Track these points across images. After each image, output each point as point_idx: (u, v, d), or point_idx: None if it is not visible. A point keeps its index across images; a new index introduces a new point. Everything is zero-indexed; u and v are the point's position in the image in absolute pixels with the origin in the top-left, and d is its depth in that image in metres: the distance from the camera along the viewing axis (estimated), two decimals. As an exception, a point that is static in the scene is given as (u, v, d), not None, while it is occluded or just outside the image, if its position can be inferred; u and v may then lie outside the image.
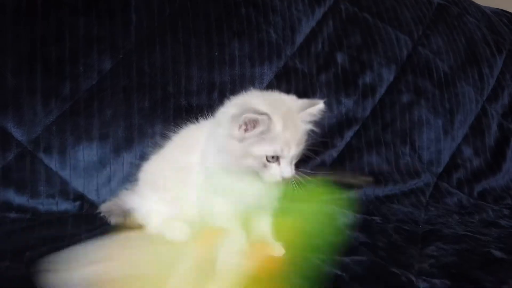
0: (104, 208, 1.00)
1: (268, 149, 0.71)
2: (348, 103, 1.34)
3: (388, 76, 1.39)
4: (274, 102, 0.75)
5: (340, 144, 1.31)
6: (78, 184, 1.06)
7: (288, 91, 1.24)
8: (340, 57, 1.35)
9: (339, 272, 0.75)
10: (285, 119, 0.71)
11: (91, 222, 0.96)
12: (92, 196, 1.07)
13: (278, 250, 0.81)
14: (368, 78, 1.36)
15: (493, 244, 0.96)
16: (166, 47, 1.16)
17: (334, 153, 1.30)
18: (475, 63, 1.52)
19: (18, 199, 1.02)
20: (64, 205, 1.05)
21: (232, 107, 0.75)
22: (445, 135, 1.41)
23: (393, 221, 1.10)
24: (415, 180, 1.33)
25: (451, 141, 1.42)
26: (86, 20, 1.11)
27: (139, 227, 0.89)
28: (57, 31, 1.08)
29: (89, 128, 1.07)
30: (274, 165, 0.72)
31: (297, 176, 0.75)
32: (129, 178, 1.03)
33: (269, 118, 0.69)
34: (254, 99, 0.75)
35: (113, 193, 1.05)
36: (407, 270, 0.79)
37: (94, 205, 1.05)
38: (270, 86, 1.24)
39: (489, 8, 1.74)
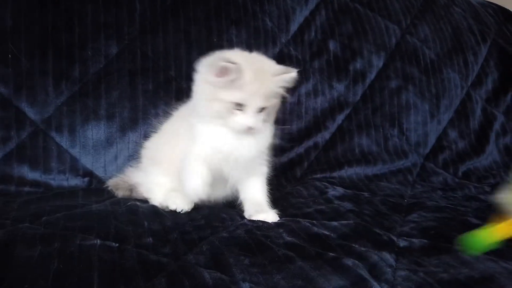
0: (111, 183, 1.07)
1: (235, 96, 0.78)
2: (339, 88, 1.41)
3: (378, 62, 1.46)
4: (251, 59, 0.83)
5: (332, 127, 1.38)
6: (87, 161, 1.13)
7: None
8: (332, 45, 1.42)
9: (327, 233, 0.82)
10: (256, 73, 0.78)
11: (100, 195, 1.02)
12: (100, 172, 1.14)
13: (272, 217, 0.88)
14: (358, 64, 1.44)
15: (471, 213, 1.03)
16: (168, 34, 1.22)
17: (326, 135, 1.37)
18: (461, 51, 1.59)
19: (32, 175, 1.08)
20: (74, 181, 1.12)
21: (209, 57, 0.82)
22: (431, 119, 1.49)
23: (381, 195, 1.17)
24: (402, 160, 1.41)
25: (437, 124, 1.49)
26: (94, 7, 1.16)
27: (144, 200, 0.97)
28: (67, 18, 1.14)
29: (97, 108, 1.13)
30: (239, 113, 0.80)
31: (261, 129, 0.82)
32: (134, 155, 1.10)
33: (240, 68, 0.76)
34: (233, 53, 0.83)
35: (119, 169, 1.12)
36: (389, 231, 0.86)
37: (102, 181, 1.12)
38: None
39: (475, -1, 1.82)
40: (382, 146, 1.41)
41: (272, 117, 0.87)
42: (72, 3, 1.15)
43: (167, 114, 0.99)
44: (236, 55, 0.82)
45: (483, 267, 0.71)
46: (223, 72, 0.77)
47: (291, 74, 0.82)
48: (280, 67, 0.84)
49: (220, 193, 0.94)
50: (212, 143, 0.84)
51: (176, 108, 0.98)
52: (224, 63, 0.76)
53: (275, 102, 0.84)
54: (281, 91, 0.84)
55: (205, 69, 0.81)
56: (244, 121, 0.80)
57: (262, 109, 0.81)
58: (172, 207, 0.90)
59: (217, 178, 0.87)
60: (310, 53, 1.39)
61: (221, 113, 0.80)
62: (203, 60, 0.83)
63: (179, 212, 0.90)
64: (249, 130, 0.81)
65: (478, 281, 0.67)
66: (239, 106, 0.79)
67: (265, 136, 0.88)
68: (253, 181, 0.91)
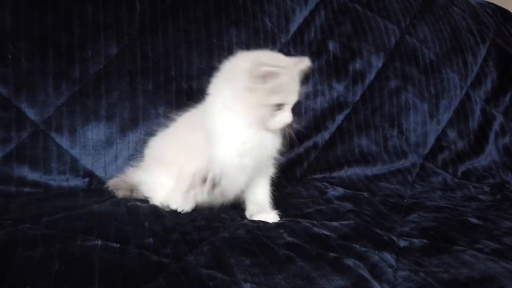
0: (111, 183, 1.06)
1: (278, 98, 0.81)
2: (339, 88, 1.41)
3: (377, 63, 1.47)
4: (274, 57, 0.86)
5: (332, 127, 1.39)
6: (87, 161, 1.13)
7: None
8: (331, 45, 1.43)
9: (327, 233, 0.83)
10: (289, 72, 0.81)
11: (100, 195, 1.02)
12: (100, 172, 1.14)
13: (273, 217, 0.88)
14: (358, 65, 1.44)
15: (471, 213, 1.03)
16: (168, 34, 1.22)
17: (326, 135, 1.38)
18: (460, 51, 1.59)
19: (32, 175, 1.08)
20: (74, 181, 1.11)
21: (240, 62, 0.83)
22: (430, 119, 1.49)
23: (380, 195, 1.17)
24: (402, 160, 1.41)
25: (436, 124, 1.50)
26: (94, 8, 1.17)
27: (144, 200, 0.97)
28: (67, 18, 1.14)
29: (97, 109, 1.14)
30: (279, 112, 0.82)
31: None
32: (135, 156, 1.09)
33: (282, 71, 0.79)
34: (259, 54, 0.85)
35: (120, 170, 1.12)
36: (389, 232, 0.86)
37: (102, 181, 1.12)
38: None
39: (475, 0, 1.82)
40: (382, 146, 1.42)
41: None
42: (72, 3, 1.16)
43: (174, 116, 0.99)
44: (265, 57, 0.84)
45: (484, 267, 0.71)
46: (266, 77, 0.79)
47: (306, 62, 0.86)
48: (294, 58, 0.87)
49: (230, 197, 0.94)
50: (247, 141, 0.85)
51: (185, 112, 0.98)
52: (269, 68, 0.78)
53: None
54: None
55: (243, 77, 0.80)
56: (287, 119, 0.83)
57: None
58: (173, 206, 0.90)
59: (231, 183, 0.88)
60: (309, 53, 1.40)
61: (265, 116, 0.82)
62: (232, 67, 0.84)
63: (180, 212, 0.90)
64: (285, 125, 0.85)
65: (478, 281, 0.67)
66: (280, 106, 0.82)
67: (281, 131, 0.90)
68: (258, 182, 0.92)
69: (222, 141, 0.85)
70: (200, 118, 0.90)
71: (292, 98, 0.83)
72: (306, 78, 0.91)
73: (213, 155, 0.86)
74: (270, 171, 0.93)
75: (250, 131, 0.84)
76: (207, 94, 0.89)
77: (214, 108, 0.86)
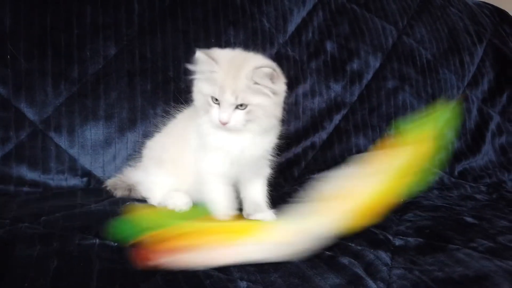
0: (110, 183, 1.07)
1: (209, 89, 0.80)
2: (336, 88, 1.42)
3: (375, 63, 1.47)
4: (232, 55, 0.84)
5: (329, 127, 1.39)
6: (85, 161, 1.13)
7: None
8: (329, 45, 1.43)
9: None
10: (231, 69, 0.79)
11: (98, 195, 1.03)
12: (98, 172, 1.14)
13: (269, 216, 0.88)
14: (355, 65, 1.44)
15: (466, 212, 1.04)
16: (167, 34, 1.22)
17: (323, 135, 1.38)
18: (457, 52, 1.60)
19: (31, 175, 1.09)
20: (73, 181, 1.12)
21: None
22: (428, 119, 1.50)
23: (377, 195, 1.18)
24: (399, 160, 1.42)
25: (433, 124, 1.50)
26: (93, 8, 1.17)
27: (143, 199, 0.98)
28: (66, 19, 1.14)
29: (96, 109, 1.14)
30: (215, 107, 0.80)
31: (238, 127, 0.80)
32: (133, 155, 1.10)
33: (212, 60, 0.79)
34: (225, 50, 0.86)
35: (118, 170, 1.12)
36: (385, 230, 0.87)
37: (100, 181, 1.12)
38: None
39: (472, 0, 1.82)
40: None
41: (264, 119, 0.83)
42: (71, 4, 1.16)
43: (171, 115, 0.99)
44: (226, 52, 0.85)
45: (478, 265, 0.72)
46: (199, 63, 0.81)
47: (263, 68, 0.78)
48: (259, 62, 0.81)
49: None
50: (220, 144, 0.85)
51: (181, 110, 0.99)
52: (199, 54, 0.80)
53: (260, 101, 0.80)
54: (264, 90, 0.80)
55: (195, 61, 0.84)
56: (216, 115, 0.80)
57: (241, 106, 0.80)
58: (171, 207, 0.90)
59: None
60: (307, 53, 1.40)
61: (203, 106, 0.83)
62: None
63: (178, 211, 0.90)
64: (223, 126, 0.80)
65: (472, 280, 0.68)
66: (216, 100, 0.80)
67: (270, 136, 0.88)
68: (255, 182, 0.92)
69: (206, 141, 0.86)
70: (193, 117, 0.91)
71: (226, 95, 0.78)
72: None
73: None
74: (265, 171, 0.93)
75: (220, 133, 0.84)
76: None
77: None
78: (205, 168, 0.87)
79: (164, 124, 1.01)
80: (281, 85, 0.83)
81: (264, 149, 0.88)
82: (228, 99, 0.78)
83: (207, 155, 0.86)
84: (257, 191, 0.93)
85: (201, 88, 0.82)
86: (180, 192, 0.93)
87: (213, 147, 0.85)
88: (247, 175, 0.90)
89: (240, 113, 0.80)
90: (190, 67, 0.84)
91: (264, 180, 0.94)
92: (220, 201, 0.87)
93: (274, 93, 0.81)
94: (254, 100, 0.80)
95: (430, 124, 0.92)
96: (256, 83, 0.79)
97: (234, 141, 0.84)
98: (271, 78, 0.80)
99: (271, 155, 0.92)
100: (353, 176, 0.84)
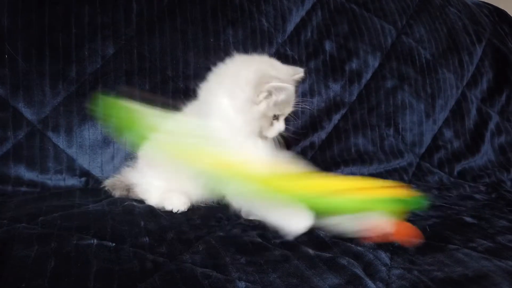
0: (108, 183, 1.07)
1: (278, 109, 0.84)
2: (335, 88, 1.42)
3: (374, 62, 1.47)
4: (277, 68, 0.86)
5: (328, 127, 1.39)
6: (83, 161, 1.13)
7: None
8: (328, 45, 1.43)
9: (323, 232, 0.83)
10: (293, 89, 0.84)
11: (97, 195, 1.02)
12: (96, 172, 1.14)
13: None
14: (354, 64, 1.44)
15: (466, 212, 1.04)
16: (165, 34, 1.22)
17: (322, 134, 1.38)
18: (456, 51, 1.60)
19: (28, 175, 1.08)
20: (71, 181, 1.12)
21: (245, 72, 0.83)
22: (427, 118, 1.49)
23: (376, 195, 1.18)
24: (398, 160, 1.42)
25: (432, 124, 1.50)
26: (91, 8, 1.17)
27: (141, 200, 0.97)
28: (64, 18, 1.14)
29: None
30: (275, 122, 0.85)
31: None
32: (131, 155, 1.09)
33: (291, 85, 0.82)
34: (263, 66, 0.85)
35: (116, 170, 1.12)
36: (384, 230, 0.87)
37: (98, 181, 1.12)
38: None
39: (471, 0, 1.82)
40: (378, 146, 1.42)
41: None
42: (69, 4, 1.16)
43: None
44: (267, 68, 0.84)
45: (477, 265, 0.72)
46: (272, 92, 0.81)
47: (300, 74, 0.89)
48: (289, 68, 0.89)
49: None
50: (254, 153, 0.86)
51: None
52: (278, 84, 0.80)
53: None
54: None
55: (251, 90, 0.81)
56: (280, 128, 0.86)
57: None
58: (168, 207, 0.90)
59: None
60: (306, 53, 1.40)
61: (264, 126, 0.85)
62: (236, 73, 0.84)
63: (175, 212, 0.90)
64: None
65: (471, 280, 0.67)
66: (276, 116, 0.85)
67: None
68: None
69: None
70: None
71: (289, 109, 0.86)
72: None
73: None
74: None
75: (248, 141, 0.85)
76: (196, 97, 0.90)
77: (210, 118, 0.85)
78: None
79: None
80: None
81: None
82: (290, 111, 0.87)
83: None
84: None
85: (272, 111, 0.84)
86: (177, 193, 0.92)
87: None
88: None
89: None
90: (253, 97, 0.82)
91: None
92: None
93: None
94: None
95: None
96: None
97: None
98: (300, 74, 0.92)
99: None
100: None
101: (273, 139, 0.90)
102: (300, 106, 0.89)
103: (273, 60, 0.92)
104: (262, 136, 0.86)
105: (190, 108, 0.94)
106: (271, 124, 0.85)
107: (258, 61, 0.88)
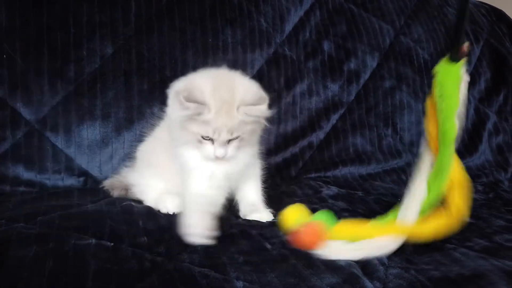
0: (107, 183, 1.07)
1: (200, 130, 0.76)
2: (334, 88, 1.42)
3: (372, 63, 1.47)
4: (221, 87, 0.77)
5: (327, 126, 1.39)
6: (82, 161, 1.13)
7: (277, 76, 1.34)
8: (326, 45, 1.43)
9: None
10: (221, 108, 0.75)
11: (95, 195, 1.02)
12: (95, 172, 1.14)
13: (266, 216, 0.89)
14: (353, 64, 1.44)
15: (463, 212, 1.05)
16: (164, 34, 1.22)
17: (321, 134, 1.38)
18: (454, 51, 1.60)
19: (27, 174, 1.08)
20: (70, 181, 1.12)
21: (181, 82, 0.80)
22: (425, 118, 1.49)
23: (374, 194, 1.18)
24: (396, 160, 1.42)
25: (430, 123, 1.50)
26: (89, 7, 1.16)
27: (138, 200, 0.97)
28: (62, 18, 1.14)
29: (92, 108, 1.14)
30: (208, 144, 0.78)
31: (232, 156, 0.79)
32: (130, 155, 1.09)
33: (201, 104, 0.73)
34: (202, 80, 0.78)
35: (115, 169, 1.12)
36: (382, 230, 0.87)
37: (97, 181, 1.12)
38: (260, 72, 1.31)
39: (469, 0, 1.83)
40: (376, 146, 1.42)
41: (253, 139, 0.85)
42: (67, 3, 1.15)
43: (158, 118, 0.98)
44: (206, 84, 0.77)
45: (474, 265, 0.72)
46: (184, 104, 0.74)
47: (259, 106, 0.77)
48: (252, 96, 0.78)
49: None
50: (210, 172, 0.82)
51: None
52: (182, 101, 0.73)
53: (250, 128, 0.80)
54: (257, 119, 0.79)
55: (173, 98, 0.78)
56: (211, 152, 0.78)
57: (234, 138, 0.79)
58: (163, 210, 0.89)
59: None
60: (304, 53, 1.40)
61: (192, 142, 0.79)
62: (174, 85, 0.81)
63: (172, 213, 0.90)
64: (220, 159, 0.79)
65: (468, 279, 0.68)
66: (207, 137, 0.78)
67: (250, 149, 0.87)
68: (248, 183, 0.92)
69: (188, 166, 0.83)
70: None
71: (220, 135, 0.76)
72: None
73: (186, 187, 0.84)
74: (256, 171, 0.93)
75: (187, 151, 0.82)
76: None
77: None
78: (193, 190, 0.83)
79: (154, 126, 1.00)
80: (266, 106, 0.79)
81: (249, 158, 0.87)
82: (224, 137, 0.77)
83: (194, 181, 0.83)
84: (252, 191, 0.93)
85: (189, 128, 0.77)
86: (172, 195, 0.91)
87: (202, 174, 0.82)
88: (238, 181, 0.90)
89: (234, 143, 0.79)
90: (174, 105, 0.78)
91: (257, 179, 0.94)
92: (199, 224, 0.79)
93: (263, 116, 0.79)
94: (246, 129, 0.79)
95: None
96: (248, 115, 0.77)
97: (223, 164, 0.82)
98: (261, 106, 0.78)
99: (259, 158, 0.92)
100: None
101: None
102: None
103: (248, 81, 0.83)
104: (200, 153, 0.80)
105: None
106: (201, 143, 0.78)
107: (211, 76, 0.80)
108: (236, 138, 0.79)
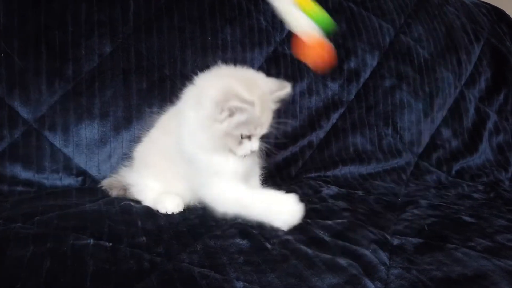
0: (105, 183, 1.06)
1: (246, 130, 0.79)
2: (334, 87, 1.41)
3: (372, 61, 1.47)
4: (250, 84, 0.79)
5: (327, 126, 1.39)
6: (80, 160, 1.12)
7: (277, 75, 1.33)
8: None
9: (321, 231, 0.83)
10: (262, 103, 0.78)
11: (94, 194, 1.02)
12: (93, 171, 1.13)
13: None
14: (353, 63, 1.44)
15: (464, 211, 1.04)
16: (163, 32, 1.21)
17: (321, 134, 1.38)
18: (454, 50, 1.60)
19: (25, 174, 1.08)
20: (68, 180, 1.11)
21: (210, 88, 0.79)
22: (425, 118, 1.49)
23: (375, 194, 1.18)
24: (396, 159, 1.42)
25: (431, 123, 1.50)
26: (88, 6, 1.16)
27: (137, 200, 0.96)
28: (61, 16, 1.13)
29: (91, 107, 1.13)
30: (246, 141, 0.80)
31: (262, 147, 0.84)
32: (128, 155, 1.07)
33: (253, 105, 0.75)
34: (232, 82, 0.78)
35: (113, 169, 1.11)
36: (383, 230, 0.86)
37: (95, 181, 1.11)
38: (260, 70, 1.29)
39: (469, -1, 1.83)
40: (376, 145, 1.42)
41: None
42: (66, 1, 1.15)
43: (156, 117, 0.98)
44: (238, 85, 0.77)
45: (476, 265, 0.71)
46: (233, 111, 0.76)
47: (287, 90, 0.83)
48: (274, 83, 0.83)
49: None
50: (234, 168, 0.84)
51: (162, 113, 0.97)
52: (237, 104, 0.74)
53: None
54: (277, 106, 0.84)
55: (211, 106, 0.77)
56: (252, 148, 0.81)
57: None
58: (162, 211, 0.89)
59: None
60: (304, 52, 1.39)
61: (231, 145, 0.81)
62: (201, 92, 0.80)
63: (170, 214, 0.89)
64: (252, 152, 0.82)
65: (470, 279, 0.67)
66: (248, 136, 0.80)
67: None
68: (249, 182, 0.91)
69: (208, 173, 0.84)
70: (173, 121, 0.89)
71: (260, 130, 0.80)
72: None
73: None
74: (255, 170, 0.93)
75: (215, 156, 0.83)
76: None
77: (181, 127, 0.84)
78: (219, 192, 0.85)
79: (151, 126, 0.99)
80: (290, 88, 0.86)
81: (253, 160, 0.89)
82: (264, 132, 0.81)
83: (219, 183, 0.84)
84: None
85: (233, 132, 0.78)
86: (171, 195, 0.91)
87: (228, 174, 0.84)
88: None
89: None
90: (216, 115, 0.77)
91: (257, 179, 0.95)
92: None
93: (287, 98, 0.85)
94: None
95: None
96: (276, 102, 0.83)
97: (242, 161, 0.84)
98: (286, 89, 0.84)
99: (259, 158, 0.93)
100: None
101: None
102: (275, 127, 0.83)
103: (258, 73, 0.85)
104: (232, 153, 0.82)
105: (174, 109, 0.94)
106: (240, 143, 0.80)
107: (233, 76, 0.81)
108: None
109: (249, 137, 0.81)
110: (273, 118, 0.83)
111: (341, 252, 0.72)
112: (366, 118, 1.43)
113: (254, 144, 0.81)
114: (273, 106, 0.83)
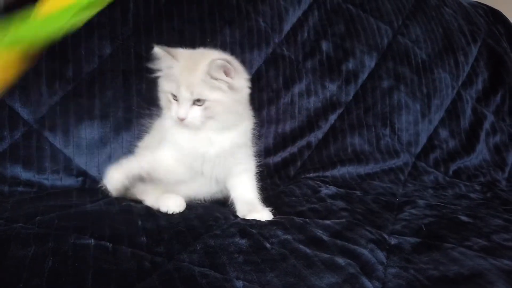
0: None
1: (168, 85, 0.83)
2: (332, 88, 1.42)
3: (370, 63, 1.48)
4: (192, 52, 0.86)
5: (325, 126, 1.40)
6: (80, 161, 1.12)
7: (276, 76, 1.34)
8: (324, 45, 1.43)
9: (320, 231, 0.83)
10: (187, 63, 0.81)
11: (94, 195, 1.01)
12: (93, 172, 1.13)
13: (266, 215, 0.89)
14: (351, 64, 1.45)
15: (461, 211, 1.05)
16: (162, 34, 1.22)
17: (319, 134, 1.39)
18: (452, 52, 1.61)
19: (25, 175, 1.08)
20: (68, 181, 1.11)
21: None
22: (422, 118, 1.50)
23: (373, 194, 1.19)
24: (394, 159, 1.43)
25: (428, 123, 1.51)
26: (87, 7, 1.17)
27: (139, 200, 0.97)
28: (61, 18, 1.14)
29: (91, 108, 1.13)
30: (174, 103, 0.83)
31: (196, 123, 0.83)
32: (128, 155, 1.09)
33: (170, 55, 0.81)
34: (180, 49, 0.86)
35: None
36: (380, 230, 0.87)
37: (95, 181, 1.11)
38: (259, 72, 1.32)
39: (466, 0, 1.84)
40: (374, 146, 1.43)
41: (223, 116, 0.85)
42: (65, 3, 1.15)
43: (156, 116, 0.99)
44: (183, 50, 0.86)
45: (472, 264, 0.72)
46: (157, 59, 0.83)
47: (217, 61, 0.79)
48: (221, 63, 0.80)
49: (206, 191, 0.96)
50: (176, 141, 0.87)
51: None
52: (157, 50, 0.82)
53: (218, 97, 0.81)
54: (220, 84, 0.81)
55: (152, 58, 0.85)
56: (174, 112, 0.82)
57: (198, 102, 0.81)
58: (163, 209, 0.89)
59: (195, 175, 0.90)
60: (303, 53, 1.40)
61: (165, 103, 0.85)
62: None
63: (171, 213, 0.90)
64: (181, 122, 0.82)
65: (467, 278, 0.68)
66: (175, 97, 0.82)
67: (233, 132, 0.88)
68: (241, 179, 0.92)
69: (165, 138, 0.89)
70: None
71: (183, 91, 0.80)
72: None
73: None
74: (247, 166, 0.93)
75: (181, 134, 0.86)
76: None
77: None
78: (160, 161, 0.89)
79: (151, 126, 1.01)
80: (240, 81, 0.84)
81: (228, 146, 0.88)
82: (184, 94, 0.80)
83: (164, 150, 0.88)
84: (246, 189, 0.92)
85: (162, 86, 0.85)
86: (173, 194, 0.92)
87: (171, 143, 0.87)
88: (223, 172, 0.91)
89: (197, 109, 0.81)
90: (151, 65, 0.85)
91: (251, 175, 0.94)
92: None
93: (232, 88, 0.82)
94: (211, 95, 0.81)
95: None
96: (212, 77, 0.80)
97: (191, 139, 0.86)
98: (227, 72, 0.81)
99: (251, 153, 0.93)
100: None
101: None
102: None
103: (219, 52, 0.90)
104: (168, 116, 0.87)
105: None
106: (169, 101, 0.84)
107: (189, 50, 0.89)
108: (199, 102, 0.81)
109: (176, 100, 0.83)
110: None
111: (339, 252, 0.73)
112: (364, 118, 1.44)
113: (180, 109, 0.81)
114: (207, 79, 0.80)
